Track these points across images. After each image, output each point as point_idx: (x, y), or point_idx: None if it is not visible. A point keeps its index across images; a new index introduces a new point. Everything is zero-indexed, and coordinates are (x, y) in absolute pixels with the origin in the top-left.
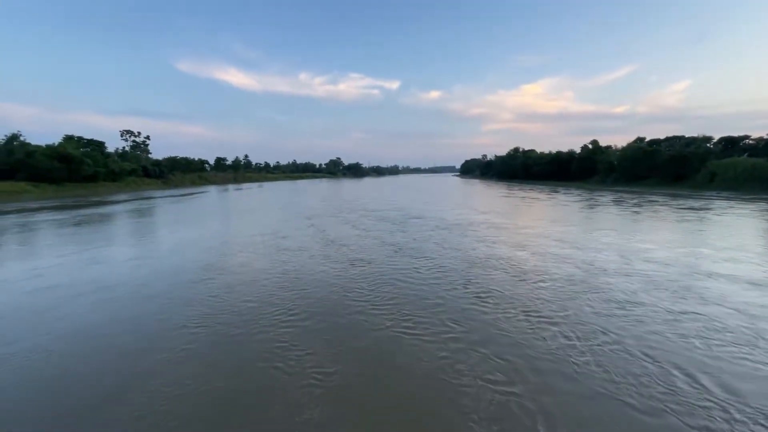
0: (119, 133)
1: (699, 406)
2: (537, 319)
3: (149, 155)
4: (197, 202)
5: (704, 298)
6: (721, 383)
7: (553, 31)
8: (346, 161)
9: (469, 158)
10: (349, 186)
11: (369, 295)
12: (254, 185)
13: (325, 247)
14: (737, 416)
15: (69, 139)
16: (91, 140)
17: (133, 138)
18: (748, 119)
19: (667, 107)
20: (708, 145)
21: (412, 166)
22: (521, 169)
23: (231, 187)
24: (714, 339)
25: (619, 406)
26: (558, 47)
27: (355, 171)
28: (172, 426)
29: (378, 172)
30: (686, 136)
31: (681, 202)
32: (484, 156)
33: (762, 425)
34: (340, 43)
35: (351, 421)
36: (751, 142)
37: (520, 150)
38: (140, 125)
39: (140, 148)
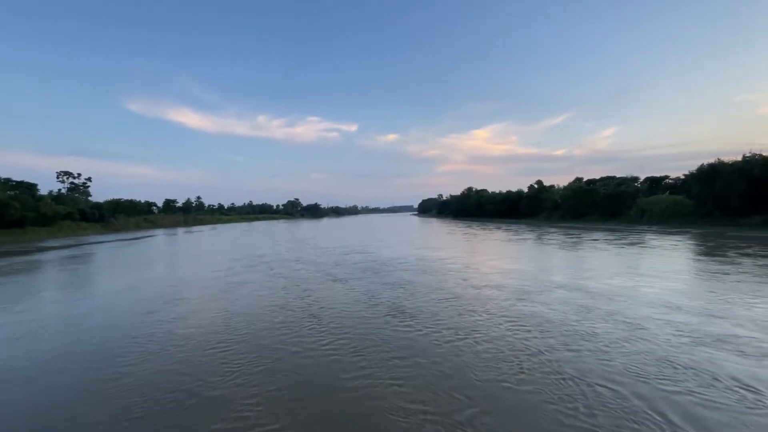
0: (55, 175)
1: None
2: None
3: (89, 198)
4: (132, 249)
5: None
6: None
7: (498, 81)
8: (304, 202)
9: (426, 198)
10: (306, 227)
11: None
12: (207, 228)
13: (308, 318)
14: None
15: None
16: (21, 182)
17: (71, 179)
18: (668, 161)
19: (599, 150)
20: (636, 184)
21: (371, 206)
22: (475, 207)
23: (181, 230)
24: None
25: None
26: (502, 96)
27: (314, 212)
28: None
29: (337, 212)
30: (617, 176)
31: (618, 235)
32: (440, 195)
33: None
34: (299, 87)
35: None
36: (670, 181)
37: (474, 190)
38: (84, 166)
39: (79, 190)
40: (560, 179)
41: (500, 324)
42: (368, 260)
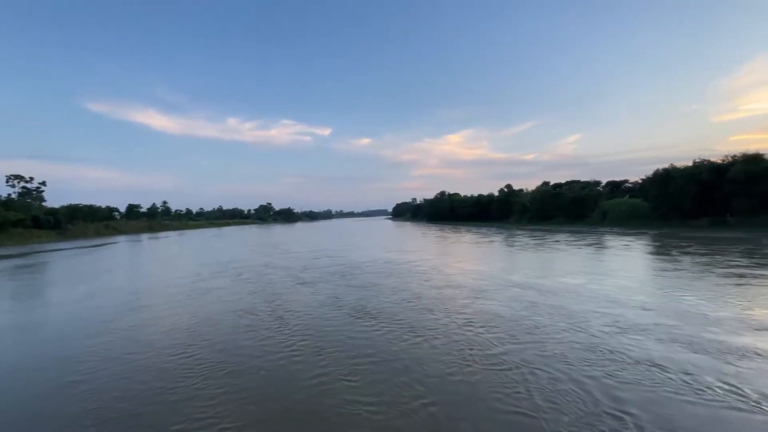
0: (5, 179)
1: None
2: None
3: (43, 203)
4: (91, 256)
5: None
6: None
7: (470, 88)
8: (277, 206)
9: (400, 202)
10: (278, 232)
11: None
12: (173, 234)
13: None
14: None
15: None
16: None
17: (23, 184)
18: (628, 166)
19: (565, 155)
20: (599, 188)
21: (345, 210)
22: (448, 211)
23: (145, 236)
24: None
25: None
26: (474, 103)
27: (287, 216)
28: None
29: (311, 216)
30: (581, 180)
31: (579, 237)
32: (414, 199)
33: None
34: (272, 90)
35: None
36: (629, 185)
37: (446, 194)
38: (40, 170)
39: (32, 195)
40: (529, 183)
41: (455, 321)
42: (338, 264)
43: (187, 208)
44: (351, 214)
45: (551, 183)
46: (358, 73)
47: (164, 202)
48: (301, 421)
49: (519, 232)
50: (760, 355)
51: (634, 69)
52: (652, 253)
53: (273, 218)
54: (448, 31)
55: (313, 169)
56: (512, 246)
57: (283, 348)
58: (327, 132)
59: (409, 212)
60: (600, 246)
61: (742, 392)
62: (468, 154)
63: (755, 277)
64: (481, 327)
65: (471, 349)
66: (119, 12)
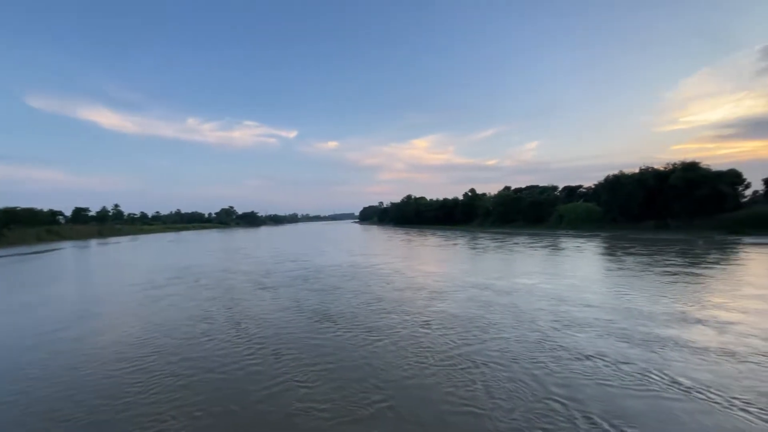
0: None
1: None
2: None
3: None
4: (30, 264)
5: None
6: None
7: (437, 94)
8: (240, 210)
9: (367, 205)
10: (241, 236)
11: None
12: (125, 239)
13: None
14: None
15: None
16: None
17: None
18: (583, 172)
19: (525, 161)
20: (556, 192)
21: (312, 213)
22: (414, 215)
23: (94, 242)
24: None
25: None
26: (441, 108)
27: (251, 220)
28: None
29: (275, 220)
30: (540, 185)
31: (536, 239)
32: (381, 203)
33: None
34: (234, 91)
35: None
36: (584, 190)
37: (413, 197)
38: None
39: None
40: (492, 188)
41: (413, 322)
42: (301, 268)
43: (141, 212)
44: (318, 218)
45: (512, 188)
46: (324, 76)
47: (116, 206)
48: (252, 427)
49: (482, 235)
50: (683, 345)
51: (589, 81)
52: (600, 254)
53: (236, 222)
54: (416, 38)
55: (278, 172)
56: (474, 249)
57: (241, 355)
58: (292, 134)
59: (376, 216)
60: (555, 248)
61: (671, 379)
62: (434, 159)
63: (686, 274)
64: (438, 327)
65: (427, 350)
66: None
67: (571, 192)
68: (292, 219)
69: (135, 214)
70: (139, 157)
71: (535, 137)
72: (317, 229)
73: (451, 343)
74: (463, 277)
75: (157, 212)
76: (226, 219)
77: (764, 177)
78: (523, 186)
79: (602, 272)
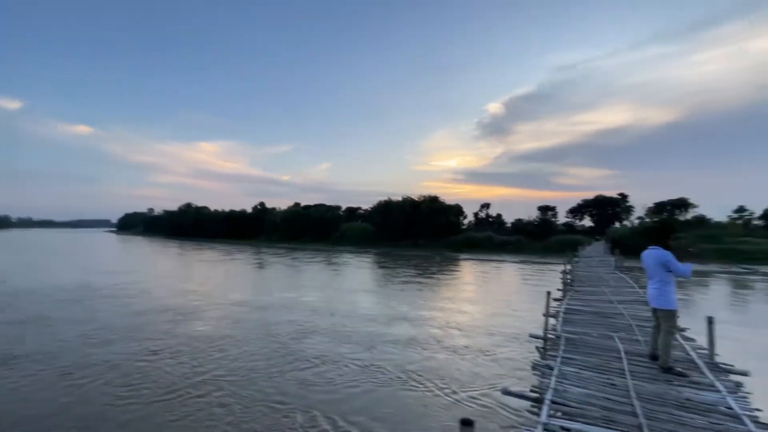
0: None
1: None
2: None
3: None
4: None
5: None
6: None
7: (231, 100)
8: None
9: (131, 211)
10: None
11: None
12: None
13: None
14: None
15: None
16: None
17: None
18: (363, 196)
19: (317, 180)
20: (340, 212)
21: (41, 217)
22: (193, 226)
23: None
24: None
25: None
26: (235, 114)
27: None
28: None
29: None
30: (327, 204)
31: (316, 254)
32: (151, 210)
33: None
34: None
35: None
36: (362, 211)
37: (193, 206)
38: None
39: None
40: (284, 203)
41: (140, 352)
42: None
43: None
44: (51, 224)
45: (302, 204)
46: (66, 32)
47: None
48: None
49: (265, 249)
50: (395, 341)
51: (376, 123)
52: (362, 268)
53: None
54: (220, 38)
55: None
56: (251, 264)
57: None
58: (15, 105)
59: (142, 224)
60: (329, 262)
61: (387, 370)
62: (225, 167)
63: (416, 283)
64: (169, 353)
65: (152, 381)
66: None
67: (352, 212)
68: (4, 223)
69: None
70: None
71: (326, 159)
72: (47, 239)
73: (179, 370)
74: (224, 294)
75: None
76: None
77: (474, 211)
78: (312, 204)
79: (357, 283)
